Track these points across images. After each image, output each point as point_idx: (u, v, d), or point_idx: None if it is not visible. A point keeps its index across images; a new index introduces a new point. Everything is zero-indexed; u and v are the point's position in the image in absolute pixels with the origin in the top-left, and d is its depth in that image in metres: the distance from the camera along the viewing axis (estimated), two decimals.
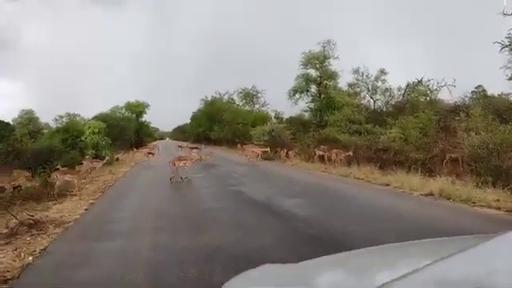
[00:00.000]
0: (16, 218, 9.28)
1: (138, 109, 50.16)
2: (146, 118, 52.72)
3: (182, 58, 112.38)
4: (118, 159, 29.24)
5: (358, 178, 13.36)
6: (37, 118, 45.09)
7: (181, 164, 15.17)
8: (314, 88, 32.82)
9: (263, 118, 39.27)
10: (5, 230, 8.65)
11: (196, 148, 28.08)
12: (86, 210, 10.76)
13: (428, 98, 30.90)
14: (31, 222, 9.34)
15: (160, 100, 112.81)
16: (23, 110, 39.89)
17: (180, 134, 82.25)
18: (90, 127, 27.98)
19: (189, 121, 62.33)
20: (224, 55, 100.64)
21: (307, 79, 33.04)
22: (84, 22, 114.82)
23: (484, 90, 32.57)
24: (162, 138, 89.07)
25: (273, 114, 42.12)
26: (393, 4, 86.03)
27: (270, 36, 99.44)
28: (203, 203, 10.15)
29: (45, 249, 6.95)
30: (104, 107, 46.84)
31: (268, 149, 21.96)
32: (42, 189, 13.74)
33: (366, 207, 8.76)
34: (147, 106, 51.30)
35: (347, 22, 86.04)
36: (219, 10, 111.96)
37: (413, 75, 33.32)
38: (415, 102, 30.76)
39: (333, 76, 32.07)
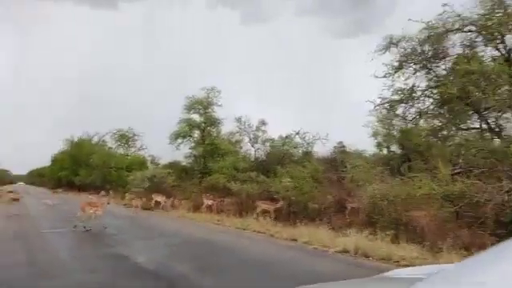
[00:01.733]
0: None
1: None
2: None
3: (47, 95, 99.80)
4: None
5: (259, 232, 11.64)
6: None
7: (91, 211, 12.23)
8: (197, 133, 31.15)
9: (140, 163, 35.58)
10: None
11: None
12: None
13: (304, 150, 32.07)
14: None
15: (14, 138, 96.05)
16: None
17: (37, 178, 70.24)
18: None
19: (49, 163, 53.56)
20: (97, 95, 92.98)
21: (190, 124, 31.30)
22: None
23: (343, 146, 35.53)
24: (12, 183, 74.43)
25: (149, 159, 38.77)
26: (271, 69, 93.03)
27: (152, 79, 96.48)
28: (71, 276, 6.89)
29: None
30: None
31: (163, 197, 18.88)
32: None
33: (292, 276, 6.85)
34: None
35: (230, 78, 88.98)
36: (96, 47, 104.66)
37: (289, 129, 34.54)
38: (293, 153, 31.60)
39: (216, 123, 31.06)
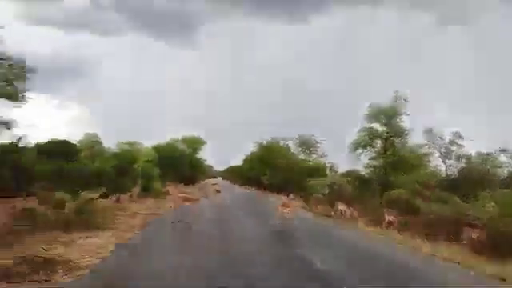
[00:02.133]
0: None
1: (194, 144, 49.43)
2: (201, 154, 51.88)
3: (245, 102, 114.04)
4: (167, 192, 27.64)
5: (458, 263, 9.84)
6: (100, 142, 45.40)
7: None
8: (379, 144, 29.62)
9: (319, 169, 36.40)
10: None
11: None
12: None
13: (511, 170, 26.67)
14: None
15: (216, 138, 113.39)
16: (88, 134, 40.24)
17: (231, 174, 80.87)
18: (144, 156, 26.93)
19: (241, 162, 60.78)
20: (288, 103, 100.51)
21: (371, 133, 29.98)
22: (155, 60, 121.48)
23: None
24: (214, 177, 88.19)
25: (328, 166, 39.29)
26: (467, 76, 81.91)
27: (335, 85, 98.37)
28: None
29: None
30: (164, 139, 46.39)
31: None
32: (74, 216, 11.95)
33: None
34: (204, 142, 50.55)
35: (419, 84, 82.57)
36: (286, 55, 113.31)
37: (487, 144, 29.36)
38: (496, 173, 26.70)
39: (402, 133, 28.79)
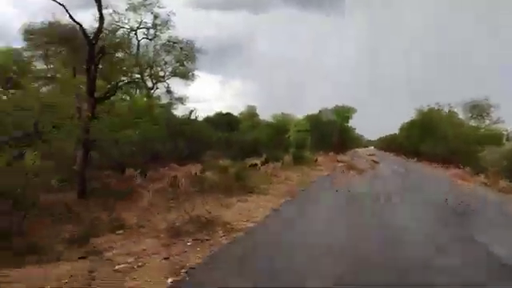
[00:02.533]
0: None
1: (344, 113, 48.01)
2: (351, 123, 50.19)
3: (396, 65, 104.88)
4: (316, 161, 27.69)
5: None
6: (257, 114, 48.49)
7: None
8: None
9: (494, 138, 30.66)
10: None
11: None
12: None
13: None
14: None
15: (368, 106, 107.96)
16: (248, 106, 43.35)
17: (384, 144, 76.15)
18: (295, 125, 27.38)
19: (397, 131, 56.36)
20: (447, 61, 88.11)
21: None
22: (305, 31, 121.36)
23: None
24: (365, 146, 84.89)
25: (506, 134, 32.77)
26: None
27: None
28: None
29: None
30: (316, 109, 46.49)
31: None
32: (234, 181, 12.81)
33: None
34: (354, 111, 48.57)
35: None
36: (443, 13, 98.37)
37: None
38: None
39: None
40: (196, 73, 28.43)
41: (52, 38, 16.59)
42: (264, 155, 20.46)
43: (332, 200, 11.77)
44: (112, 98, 14.52)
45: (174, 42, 27.13)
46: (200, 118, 26.54)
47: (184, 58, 28.02)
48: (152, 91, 27.31)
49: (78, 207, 8.89)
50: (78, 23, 11.28)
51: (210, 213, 8.61)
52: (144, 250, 6.09)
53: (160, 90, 27.65)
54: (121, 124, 13.55)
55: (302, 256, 5.97)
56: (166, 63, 28.08)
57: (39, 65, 18.09)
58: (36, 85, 16.48)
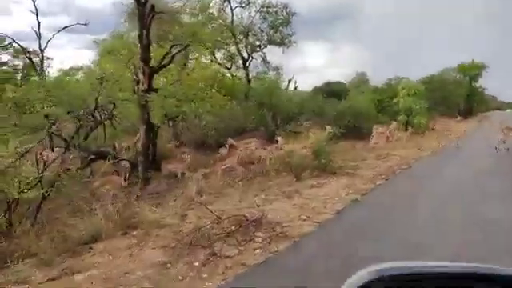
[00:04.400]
0: None
1: (471, 71, 39.47)
2: (481, 82, 41.18)
3: None
4: (433, 129, 22.68)
5: None
6: (367, 81, 43.29)
7: None
8: None
9: None
10: None
11: None
12: None
13: None
14: None
15: (499, 62, 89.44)
16: (358, 73, 39.05)
17: None
18: (403, 88, 22.64)
19: None
20: None
21: None
22: None
23: None
24: (498, 109, 70.52)
25: None
26: None
27: None
28: None
29: None
30: (436, 69, 39.41)
31: None
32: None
33: None
34: (484, 67, 39.48)
35: None
36: None
37: None
38: None
39: None
40: (304, 42, 25.88)
41: None
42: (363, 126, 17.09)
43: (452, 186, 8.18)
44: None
45: (268, 7, 25.08)
46: (308, 88, 24.42)
47: (280, 23, 25.71)
48: (248, 62, 25.65)
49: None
50: None
51: (258, 206, 6.30)
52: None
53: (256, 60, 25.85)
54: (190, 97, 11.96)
55: None
56: (262, 31, 26.08)
57: None
58: None
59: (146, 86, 10.16)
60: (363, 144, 14.13)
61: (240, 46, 25.14)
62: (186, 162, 11.48)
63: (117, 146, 13.00)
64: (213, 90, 12.38)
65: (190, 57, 17.22)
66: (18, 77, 17.97)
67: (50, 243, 5.06)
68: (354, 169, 9.51)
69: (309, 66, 60.43)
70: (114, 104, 10.62)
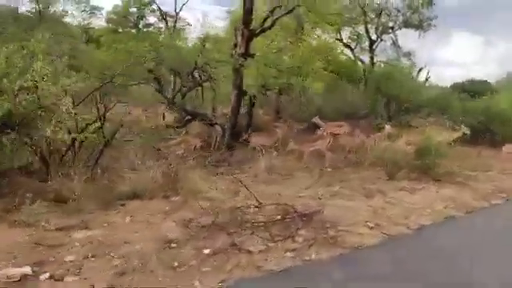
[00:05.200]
0: None
1: None
2: None
3: None
4: None
5: None
6: None
7: None
8: None
9: None
10: None
11: None
12: None
13: None
14: None
15: None
16: (510, 73, 32.35)
17: None
18: None
19: None
20: None
21: None
22: None
23: None
24: None
25: None
26: None
27: None
28: None
29: None
30: None
31: None
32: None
33: None
34: None
35: None
36: None
37: None
38: None
39: None
40: (450, 31, 22.26)
41: None
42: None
43: None
44: None
45: None
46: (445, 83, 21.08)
47: (421, 3, 22.36)
48: (375, 44, 23.15)
49: None
50: None
51: (320, 198, 5.16)
52: None
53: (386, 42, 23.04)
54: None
55: None
56: (398, 11, 23.07)
57: None
58: None
59: (242, 50, 9.59)
60: (493, 152, 11.16)
61: (369, 26, 22.70)
62: (276, 137, 10.75)
63: (219, 110, 12.97)
64: (317, 65, 11.16)
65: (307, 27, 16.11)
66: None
67: (93, 191, 4.89)
68: (469, 179, 7.34)
69: (451, 58, 52.53)
70: (209, 65, 10.35)
